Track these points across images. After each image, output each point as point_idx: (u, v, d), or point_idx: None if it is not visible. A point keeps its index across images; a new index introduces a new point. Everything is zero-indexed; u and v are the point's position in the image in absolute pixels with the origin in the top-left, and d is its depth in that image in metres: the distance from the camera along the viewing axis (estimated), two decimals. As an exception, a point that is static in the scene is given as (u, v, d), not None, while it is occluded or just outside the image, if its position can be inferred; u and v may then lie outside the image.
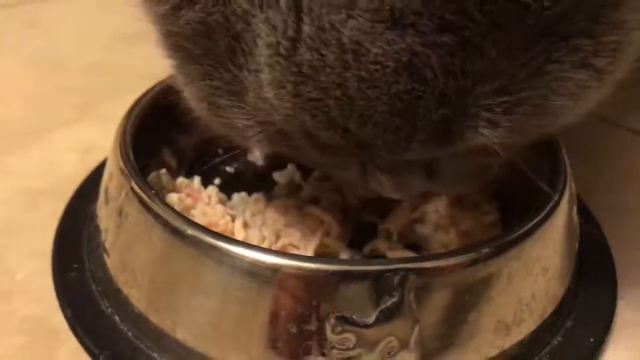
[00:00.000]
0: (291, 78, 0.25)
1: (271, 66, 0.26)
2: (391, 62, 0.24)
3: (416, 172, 0.32)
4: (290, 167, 0.47)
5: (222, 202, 0.43)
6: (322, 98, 0.25)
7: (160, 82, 0.43)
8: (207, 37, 0.28)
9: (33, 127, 0.55)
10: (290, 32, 0.25)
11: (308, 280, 0.31)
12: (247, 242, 0.38)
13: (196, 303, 0.32)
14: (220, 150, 0.48)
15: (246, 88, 0.28)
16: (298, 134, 0.28)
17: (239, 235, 0.39)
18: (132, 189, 0.34)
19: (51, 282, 0.39)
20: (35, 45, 0.67)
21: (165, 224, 0.32)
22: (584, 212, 0.44)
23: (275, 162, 0.48)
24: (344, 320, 0.30)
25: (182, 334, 0.33)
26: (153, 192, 0.34)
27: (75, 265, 0.39)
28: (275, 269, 0.31)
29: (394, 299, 0.30)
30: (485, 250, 0.32)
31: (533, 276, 0.34)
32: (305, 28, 0.24)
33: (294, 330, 0.31)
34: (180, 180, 0.43)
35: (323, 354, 0.31)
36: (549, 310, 0.36)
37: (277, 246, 0.39)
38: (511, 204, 0.43)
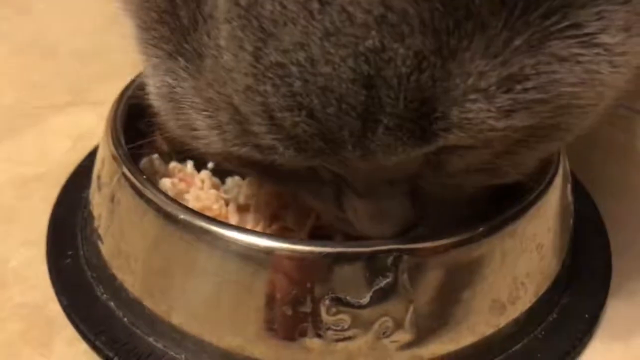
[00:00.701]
0: (251, 36, 0.23)
1: (230, 22, 0.23)
2: (360, 13, 0.21)
3: (397, 197, 0.29)
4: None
5: (215, 186, 0.42)
6: (284, 63, 0.23)
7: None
8: (173, 13, 0.26)
9: (25, 114, 0.54)
10: None
11: (302, 262, 0.31)
12: (242, 225, 0.38)
13: (191, 287, 0.33)
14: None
15: (206, 61, 0.25)
16: (259, 119, 0.25)
17: (233, 219, 0.39)
18: (124, 174, 0.34)
19: (46, 269, 0.39)
20: (27, 31, 0.66)
21: (158, 209, 0.32)
22: (579, 190, 0.44)
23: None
24: (338, 301, 0.30)
25: (178, 319, 0.33)
26: (145, 177, 0.34)
27: (69, 252, 0.39)
28: (268, 252, 0.31)
29: (388, 279, 0.30)
30: (479, 229, 0.31)
31: (527, 253, 0.34)
32: None
33: (289, 312, 0.31)
34: (173, 164, 0.42)
35: (319, 335, 0.31)
36: (544, 287, 0.36)
37: (271, 229, 0.39)
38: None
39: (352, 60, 0.22)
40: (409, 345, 0.32)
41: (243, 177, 0.44)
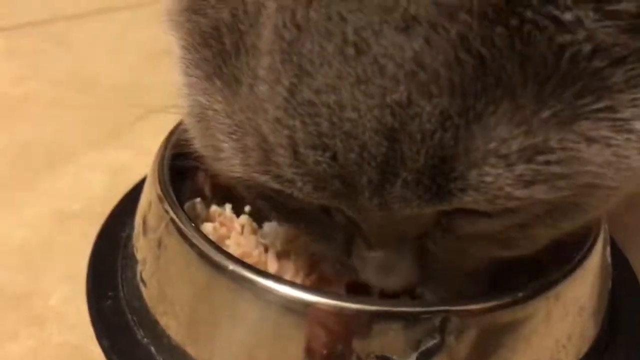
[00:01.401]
0: (289, 71, 0.24)
1: (271, 54, 0.24)
2: (392, 66, 0.22)
3: (406, 253, 0.30)
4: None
5: (254, 231, 0.43)
6: (315, 103, 0.23)
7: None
8: (218, 38, 0.27)
9: (63, 149, 0.55)
10: (298, 17, 0.23)
11: (346, 319, 0.31)
12: (281, 274, 0.39)
13: (234, 336, 0.33)
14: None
15: (242, 88, 0.26)
16: (283, 151, 0.25)
17: (273, 266, 0.40)
18: (172, 220, 0.35)
19: (85, 308, 0.39)
20: (65, 65, 0.68)
21: (207, 258, 0.32)
22: (615, 252, 0.44)
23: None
24: None
25: (219, 367, 0.33)
26: (193, 225, 0.34)
27: (110, 293, 0.39)
28: (315, 307, 0.31)
29: (435, 340, 0.30)
30: (526, 291, 0.32)
31: (570, 316, 0.34)
32: (313, 14, 0.23)
33: (332, 366, 0.31)
34: (214, 208, 0.43)
35: (362, 392, 0.31)
36: (584, 350, 0.36)
37: (310, 279, 0.39)
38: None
39: (378, 110, 0.23)
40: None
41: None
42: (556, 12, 0.21)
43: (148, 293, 0.36)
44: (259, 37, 0.24)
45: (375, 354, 0.30)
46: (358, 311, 0.30)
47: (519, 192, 0.24)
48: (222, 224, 0.41)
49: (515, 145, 0.23)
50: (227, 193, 0.46)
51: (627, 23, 0.22)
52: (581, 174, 0.24)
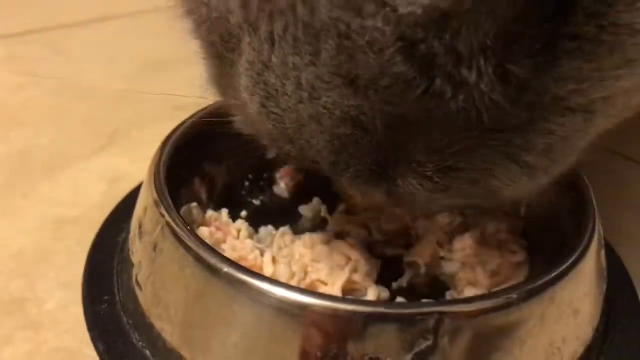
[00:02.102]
0: (260, 92, 0.28)
1: (247, 77, 0.29)
2: (339, 112, 0.26)
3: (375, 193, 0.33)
4: (316, 200, 0.48)
5: (250, 235, 0.43)
6: (282, 116, 0.28)
7: (192, 117, 0.44)
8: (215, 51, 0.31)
9: (61, 155, 0.56)
10: (264, 58, 0.27)
11: (340, 321, 0.31)
12: (276, 278, 0.39)
13: (229, 340, 0.33)
14: (247, 183, 0.49)
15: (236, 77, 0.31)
16: (264, 133, 0.31)
17: (268, 270, 0.40)
18: (167, 224, 0.35)
19: (81, 313, 0.39)
20: (64, 72, 0.68)
21: (202, 261, 0.32)
22: (610, 254, 0.44)
23: (301, 195, 0.48)
24: (378, 362, 0.30)
25: (215, 370, 0.33)
26: (189, 228, 0.34)
27: (106, 297, 0.39)
28: (311, 309, 0.31)
29: (429, 342, 0.30)
30: (520, 293, 0.32)
31: (565, 318, 0.34)
32: (274, 59, 0.27)
33: (326, 369, 0.31)
34: (210, 213, 0.43)
35: (356, 394, 0.31)
36: (579, 352, 0.36)
37: (305, 282, 0.39)
38: (539, 242, 0.43)
39: (327, 136, 0.28)
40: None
41: (275, 226, 0.45)
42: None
43: (143, 297, 0.36)
44: (240, 59, 0.29)
45: (370, 355, 0.30)
46: (353, 313, 0.31)
47: (438, 195, 0.29)
48: (218, 229, 0.42)
49: (432, 166, 0.28)
50: (223, 198, 0.47)
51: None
52: (489, 191, 0.29)
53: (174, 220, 0.35)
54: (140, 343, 0.36)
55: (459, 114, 0.25)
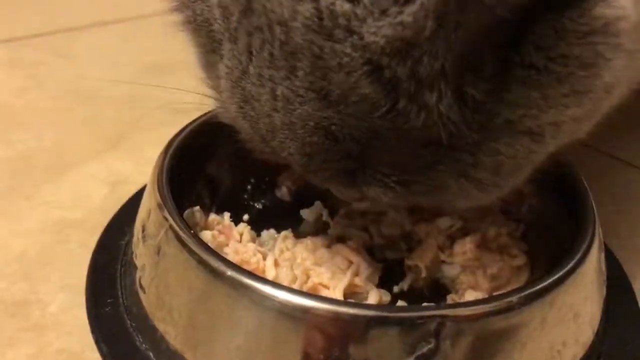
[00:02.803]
0: (238, 95, 0.30)
1: (226, 80, 0.30)
2: (312, 123, 0.28)
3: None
4: (318, 204, 0.48)
5: (252, 239, 0.43)
6: (257, 119, 0.30)
7: (194, 120, 0.45)
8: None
9: (63, 158, 0.56)
10: (242, 66, 0.29)
11: (341, 324, 0.31)
12: (278, 281, 0.39)
13: (233, 342, 0.33)
14: (249, 186, 0.49)
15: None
16: (242, 128, 0.32)
17: (270, 273, 0.40)
18: (171, 227, 0.35)
19: (84, 316, 0.39)
20: (66, 76, 0.68)
21: (205, 265, 0.33)
22: (609, 258, 0.44)
23: (303, 199, 0.49)
24: (379, 365, 0.31)
25: (217, 373, 0.33)
26: (192, 232, 0.34)
27: (109, 300, 0.39)
28: (313, 312, 0.31)
29: (430, 346, 0.30)
30: (521, 296, 0.32)
31: (565, 322, 0.34)
32: (251, 69, 0.28)
33: (328, 373, 0.31)
34: (213, 217, 0.43)
35: (357, 397, 0.31)
36: (579, 355, 0.36)
37: (307, 286, 0.39)
38: (539, 246, 0.43)
39: (299, 142, 0.29)
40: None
41: (277, 229, 0.45)
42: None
43: (147, 299, 0.37)
44: (221, 60, 0.30)
45: (371, 359, 0.31)
46: (354, 316, 0.31)
47: (398, 201, 0.31)
48: (220, 232, 0.42)
49: (394, 178, 0.30)
50: (226, 201, 0.47)
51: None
52: (447, 201, 0.32)
53: (177, 224, 0.35)
54: (144, 345, 0.36)
55: (420, 132, 0.26)
